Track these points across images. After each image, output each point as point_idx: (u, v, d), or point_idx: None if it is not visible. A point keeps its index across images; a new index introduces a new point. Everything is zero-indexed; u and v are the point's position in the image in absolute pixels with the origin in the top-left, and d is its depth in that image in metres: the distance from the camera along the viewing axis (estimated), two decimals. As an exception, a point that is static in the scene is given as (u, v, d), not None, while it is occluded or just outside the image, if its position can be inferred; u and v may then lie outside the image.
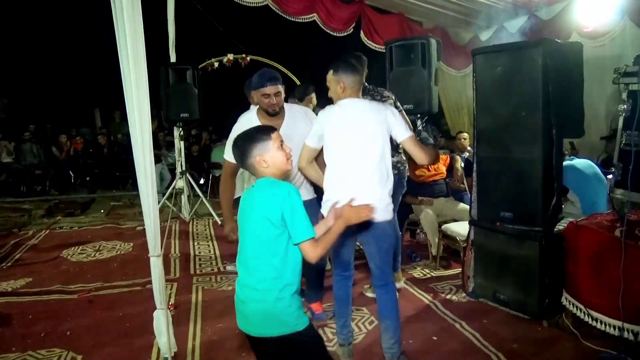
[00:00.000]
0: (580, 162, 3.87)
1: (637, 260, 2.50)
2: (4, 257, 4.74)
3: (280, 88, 2.70)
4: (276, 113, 2.73)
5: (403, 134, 2.48)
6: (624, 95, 2.62)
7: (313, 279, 3.19)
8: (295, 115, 2.84)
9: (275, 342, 1.73)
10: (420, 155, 2.50)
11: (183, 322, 3.18)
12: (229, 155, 2.70)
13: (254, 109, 3.23)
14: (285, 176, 1.93)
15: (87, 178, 9.01)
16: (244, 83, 3.82)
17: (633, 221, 2.65)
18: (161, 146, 8.57)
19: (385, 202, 2.44)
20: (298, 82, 7.41)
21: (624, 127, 2.64)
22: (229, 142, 2.60)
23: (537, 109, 2.91)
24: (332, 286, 2.71)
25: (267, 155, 1.78)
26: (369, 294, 3.49)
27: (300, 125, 2.77)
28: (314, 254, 1.72)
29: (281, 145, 1.83)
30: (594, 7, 4.68)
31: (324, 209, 2.46)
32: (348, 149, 2.43)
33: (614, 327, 2.57)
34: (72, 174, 9.05)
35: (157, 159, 7.47)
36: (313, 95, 4.00)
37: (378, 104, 2.56)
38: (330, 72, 2.53)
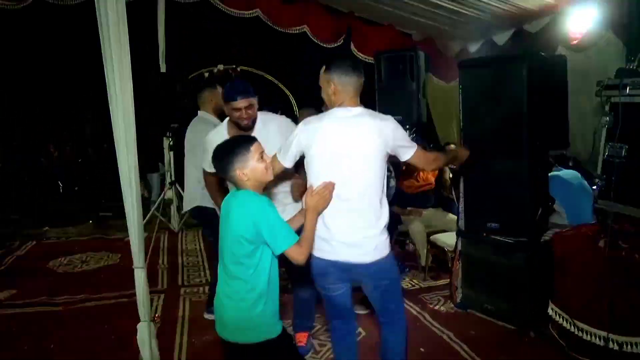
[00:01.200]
0: (566, 173, 3.91)
1: (621, 270, 2.52)
2: (-12, 268, 4.68)
3: (253, 100, 2.50)
4: (248, 127, 2.54)
5: (409, 150, 2.11)
6: (607, 108, 2.65)
7: (300, 308, 2.99)
8: (268, 124, 2.62)
9: (250, 348, 1.81)
10: (431, 164, 2.37)
11: (169, 334, 3.15)
12: (207, 165, 2.64)
13: (211, 120, 3.24)
14: (264, 188, 1.93)
15: (76, 188, 8.94)
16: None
17: (617, 232, 2.67)
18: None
19: (382, 239, 2.07)
20: (288, 93, 7.44)
21: (607, 138, 2.67)
22: (205, 154, 2.58)
23: (522, 121, 2.95)
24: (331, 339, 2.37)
25: (247, 168, 1.78)
26: (359, 311, 3.28)
27: (272, 136, 2.50)
28: (300, 256, 1.79)
29: (261, 156, 1.83)
30: (579, 21, 4.76)
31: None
32: (339, 175, 2.01)
33: (600, 338, 2.58)
34: (60, 184, 8.97)
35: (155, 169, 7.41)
36: None
37: (378, 116, 2.10)
38: (322, 69, 2.13)
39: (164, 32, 5.91)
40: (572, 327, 2.73)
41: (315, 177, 2.05)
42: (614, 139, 2.58)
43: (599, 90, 2.68)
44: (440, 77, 6.83)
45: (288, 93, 7.84)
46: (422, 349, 2.90)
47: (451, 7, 5.33)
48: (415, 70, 3.96)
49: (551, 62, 3.19)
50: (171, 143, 6.13)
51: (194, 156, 3.20)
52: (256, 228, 1.72)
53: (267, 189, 2.43)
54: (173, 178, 6.14)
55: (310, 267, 2.11)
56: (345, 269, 2.07)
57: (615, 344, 2.52)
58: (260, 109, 2.65)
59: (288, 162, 2.15)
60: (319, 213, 1.90)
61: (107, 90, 2.27)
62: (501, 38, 6.01)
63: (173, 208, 6.25)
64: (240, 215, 1.76)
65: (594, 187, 2.97)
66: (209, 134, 2.71)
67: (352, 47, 6.33)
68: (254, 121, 2.58)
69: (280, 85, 7.81)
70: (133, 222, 2.38)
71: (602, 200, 2.81)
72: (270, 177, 1.86)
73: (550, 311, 2.91)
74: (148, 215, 5.57)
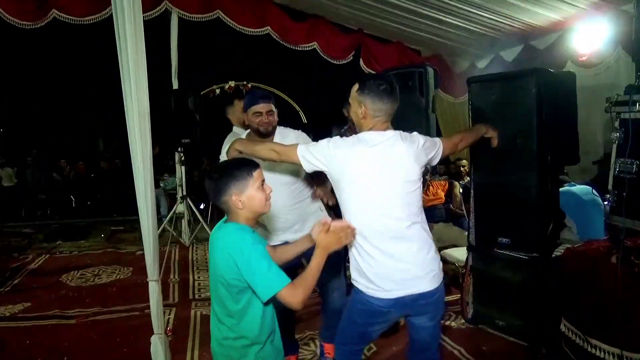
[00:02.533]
0: (578, 188, 3.90)
1: (634, 287, 2.50)
2: (2, 281, 4.73)
3: (273, 107, 2.54)
4: (268, 133, 2.54)
5: (438, 152, 2.04)
6: (616, 124, 2.66)
7: (331, 319, 2.77)
8: (287, 138, 2.60)
9: None
10: (461, 146, 2.28)
11: (181, 347, 3.16)
12: None
13: (240, 132, 3.21)
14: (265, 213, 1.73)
15: (88, 202, 9.04)
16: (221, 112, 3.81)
17: (629, 248, 2.66)
18: (163, 171, 8.62)
19: (436, 267, 1.94)
20: (298, 109, 7.51)
21: (618, 154, 2.68)
22: (223, 155, 2.57)
23: (532, 136, 2.96)
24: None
25: (244, 195, 1.58)
26: None
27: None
28: (295, 299, 1.51)
29: (262, 184, 1.63)
30: (588, 37, 4.79)
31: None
32: (381, 205, 1.86)
33: (613, 355, 2.55)
34: (73, 199, 9.09)
35: (156, 184, 7.46)
36: None
37: (407, 137, 1.96)
38: (355, 87, 1.97)
39: (176, 49, 6.03)
40: (585, 344, 2.70)
41: (353, 207, 1.89)
42: (624, 155, 2.59)
43: (608, 106, 2.69)
44: (449, 92, 6.89)
45: (298, 109, 7.93)
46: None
47: (459, 24, 5.40)
48: (425, 86, 3.99)
49: (560, 78, 3.20)
50: (182, 158, 6.21)
51: None
52: (239, 270, 1.51)
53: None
54: (184, 192, 6.20)
55: (352, 296, 1.99)
56: (408, 304, 1.89)
57: (629, 361, 2.50)
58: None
59: (309, 166, 1.97)
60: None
61: (125, 105, 2.33)
62: (510, 54, 6.06)
63: (184, 222, 6.30)
64: (221, 253, 1.56)
65: (606, 203, 2.97)
66: (225, 144, 2.73)
67: (361, 63, 6.41)
68: (274, 128, 2.57)
69: (290, 101, 7.90)
70: (148, 236, 2.42)
71: (614, 215, 2.81)
72: (267, 209, 1.67)
73: (562, 327, 2.88)
74: (160, 229, 5.62)
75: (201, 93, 6.62)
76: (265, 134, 2.54)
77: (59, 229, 7.30)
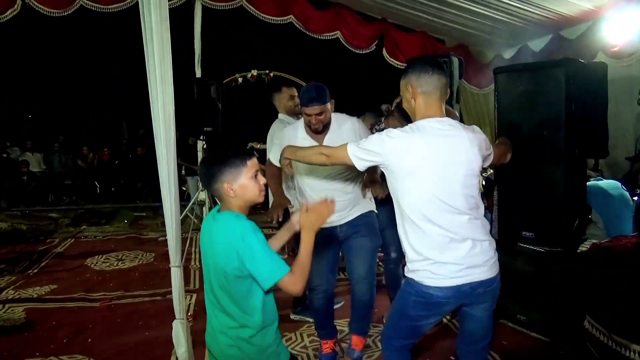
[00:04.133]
0: (606, 183, 3.81)
1: (663, 284, 2.44)
2: (30, 264, 4.87)
3: (325, 107, 2.50)
4: (319, 131, 2.57)
5: (492, 155, 1.97)
6: (650, 117, 2.58)
7: (361, 311, 2.83)
8: (343, 125, 2.63)
9: None
10: (504, 159, 2.22)
11: (202, 333, 3.20)
12: (272, 156, 2.75)
13: (286, 119, 3.37)
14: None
15: (112, 188, 9.22)
16: (267, 98, 3.85)
17: (659, 244, 2.59)
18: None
19: (493, 254, 1.87)
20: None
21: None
22: (270, 141, 2.63)
23: (559, 128, 2.89)
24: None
25: (236, 184, 1.57)
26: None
27: (347, 135, 2.53)
28: (295, 286, 1.53)
29: (256, 175, 1.61)
30: (620, 27, 4.63)
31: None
32: (444, 198, 1.77)
33: (637, 353, 2.49)
34: (97, 185, 9.28)
35: (194, 173, 7.42)
36: None
37: (469, 128, 1.88)
38: (402, 76, 1.91)
39: (199, 38, 6.05)
40: (610, 341, 2.65)
41: (412, 200, 1.80)
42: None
43: (640, 98, 2.61)
44: (473, 83, 6.76)
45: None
46: (452, 358, 2.87)
47: (485, 12, 5.28)
48: (449, 76, 3.93)
49: (591, 69, 3.11)
50: (205, 146, 6.26)
51: None
52: (240, 259, 1.50)
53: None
54: (206, 180, 6.25)
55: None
56: (467, 293, 1.83)
57: (655, 360, 2.44)
58: None
59: (361, 166, 1.89)
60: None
61: (149, 93, 2.35)
62: (537, 44, 5.90)
63: (205, 209, 6.37)
64: (221, 244, 1.55)
65: (636, 198, 2.90)
66: (285, 128, 2.83)
67: (385, 53, 6.34)
68: (326, 125, 2.57)
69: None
70: (171, 223, 2.44)
71: (644, 211, 2.74)
72: (260, 200, 1.64)
73: (586, 324, 2.83)
74: (182, 216, 5.69)
75: (224, 82, 6.63)
76: (316, 132, 2.57)
77: (84, 214, 7.48)
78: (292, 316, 3.44)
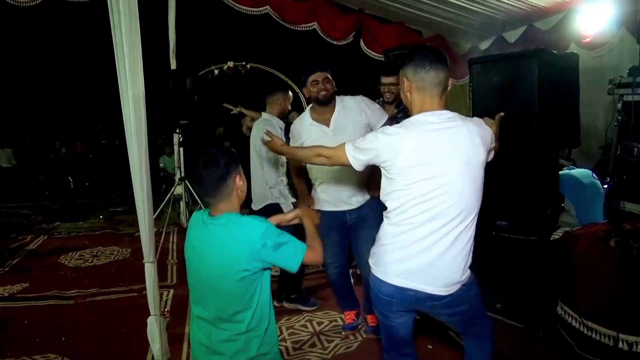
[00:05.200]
0: (578, 172, 3.88)
1: (632, 270, 2.49)
2: (1, 262, 4.74)
3: (329, 75, 2.70)
4: (327, 100, 2.69)
5: (492, 153, 1.87)
6: (619, 106, 2.63)
7: (337, 290, 3.14)
8: (347, 104, 2.76)
9: None
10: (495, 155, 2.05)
11: (179, 328, 3.17)
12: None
13: (270, 118, 3.39)
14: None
15: (87, 183, 9.03)
16: (243, 90, 3.83)
17: (628, 231, 2.65)
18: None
19: (455, 275, 1.75)
20: (297, 90, 7.43)
21: (619, 137, 2.65)
22: (291, 139, 2.75)
23: (533, 118, 2.92)
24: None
25: (240, 179, 1.62)
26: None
27: (353, 115, 2.71)
28: (318, 256, 1.65)
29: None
30: (592, 18, 4.71)
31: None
32: (440, 195, 1.67)
33: (609, 337, 2.56)
34: (71, 180, 9.08)
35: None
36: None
37: (471, 120, 1.78)
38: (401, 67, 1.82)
39: (174, 29, 5.95)
40: (582, 326, 2.71)
41: (401, 200, 1.72)
42: (626, 138, 2.56)
43: (611, 88, 2.66)
44: (451, 75, 6.80)
45: (298, 90, 7.85)
46: (429, 346, 2.90)
47: (461, 4, 5.30)
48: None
49: (563, 60, 3.15)
50: (181, 139, 6.17)
51: (260, 156, 3.32)
52: (261, 257, 1.53)
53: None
54: (183, 174, 6.17)
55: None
56: (414, 300, 1.77)
57: (625, 343, 2.50)
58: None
59: (359, 166, 1.83)
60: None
61: (119, 86, 2.29)
62: (512, 35, 5.97)
63: (182, 204, 6.29)
64: (237, 246, 1.53)
65: (605, 186, 2.96)
66: (294, 123, 2.88)
67: (362, 44, 6.33)
68: (332, 96, 2.71)
69: (290, 82, 7.82)
70: (144, 218, 2.40)
71: (614, 199, 2.79)
72: (244, 198, 1.68)
73: (559, 310, 2.89)
74: (157, 211, 5.61)
75: (199, 74, 6.54)
76: (325, 102, 2.69)
77: (58, 209, 7.31)
78: (287, 305, 3.50)
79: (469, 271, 1.80)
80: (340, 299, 3.18)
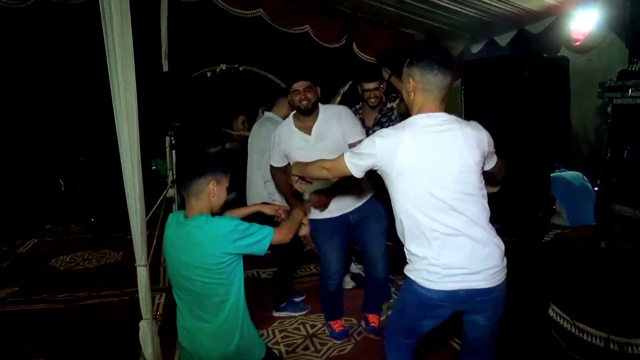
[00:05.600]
0: (569, 174, 3.91)
1: (622, 272, 2.52)
2: (-10, 265, 4.69)
3: (311, 84, 2.66)
4: (309, 110, 2.68)
5: (494, 158, 1.93)
6: (609, 109, 2.66)
7: (376, 290, 3.08)
8: (328, 115, 2.76)
9: None
10: (502, 171, 2.14)
11: (171, 332, 3.14)
12: (274, 160, 2.84)
13: (273, 116, 3.43)
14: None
15: (78, 186, 8.94)
16: (236, 92, 3.86)
17: (618, 233, 2.68)
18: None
19: (495, 263, 1.77)
20: (290, 92, 7.43)
21: (609, 140, 2.68)
22: (271, 144, 2.77)
23: (523, 121, 2.95)
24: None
25: (219, 187, 1.74)
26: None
27: (332, 124, 2.72)
28: (286, 236, 1.82)
29: (227, 189, 1.81)
30: (582, 22, 4.75)
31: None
32: (437, 199, 1.70)
33: (600, 339, 2.58)
34: (62, 182, 8.99)
35: None
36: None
37: (467, 123, 1.80)
38: (406, 62, 1.80)
39: (166, 31, 5.92)
40: (573, 328, 2.73)
41: (404, 202, 1.74)
42: (616, 141, 2.59)
43: (601, 91, 2.69)
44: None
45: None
46: (422, 349, 2.90)
47: (453, 7, 5.33)
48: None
49: (553, 63, 3.20)
50: (173, 142, 6.14)
51: (261, 155, 3.32)
52: (234, 248, 1.69)
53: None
54: (175, 176, 6.14)
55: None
56: (464, 299, 1.77)
57: (615, 345, 2.52)
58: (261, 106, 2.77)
59: (357, 168, 1.83)
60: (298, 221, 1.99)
61: (111, 88, 2.27)
62: (504, 39, 6.00)
63: (175, 206, 6.25)
64: (209, 243, 1.68)
65: (596, 188, 2.99)
66: (277, 129, 2.86)
67: (355, 47, 6.34)
68: (314, 105, 2.69)
69: (283, 85, 7.81)
70: (136, 220, 2.39)
71: (604, 201, 2.82)
72: (218, 212, 1.83)
73: (550, 312, 2.91)
74: (150, 213, 5.58)
75: (192, 76, 6.51)
76: (306, 112, 2.68)
77: (48, 213, 7.23)
78: (276, 314, 3.42)
79: (504, 271, 1.82)
80: (329, 308, 3.10)
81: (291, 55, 7.72)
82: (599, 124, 2.83)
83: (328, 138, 2.65)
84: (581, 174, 3.93)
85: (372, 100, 3.27)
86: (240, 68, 7.69)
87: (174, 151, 6.20)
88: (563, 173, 3.93)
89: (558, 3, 4.83)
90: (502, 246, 1.83)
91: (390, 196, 1.82)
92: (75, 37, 7.42)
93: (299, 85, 2.64)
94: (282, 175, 2.85)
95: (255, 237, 1.72)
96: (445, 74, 1.73)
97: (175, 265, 1.76)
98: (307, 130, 2.71)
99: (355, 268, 3.90)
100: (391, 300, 3.43)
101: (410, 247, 1.79)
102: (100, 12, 2.22)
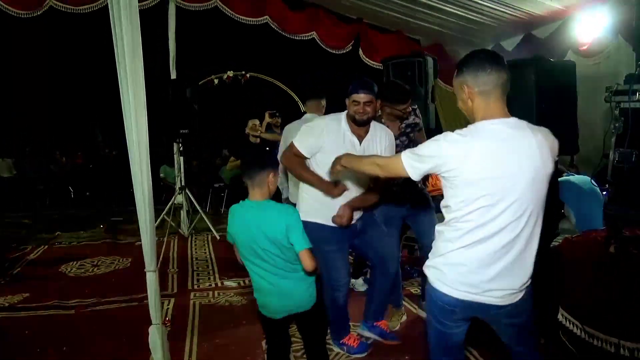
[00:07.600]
0: (577, 178, 3.89)
1: (632, 276, 2.50)
2: (1, 272, 4.73)
3: (373, 99, 2.60)
4: (364, 122, 2.64)
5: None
6: (616, 113, 2.65)
7: (382, 298, 3.02)
8: (377, 132, 2.76)
9: (314, 310, 2.23)
10: None
11: (179, 337, 3.17)
12: (301, 145, 2.68)
13: (311, 117, 3.43)
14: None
15: (87, 193, 9.03)
16: (242, 99, 3.91)
17: (627, 237, 2.66)
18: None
19: (516, 285, 1.82)
20: (297, 99, 7.46)
21: (617, 144, 2.67)
22: (303, 130, 2.72)
23: (531, 126, 2.95)
24: None
25: (275, 177, 2.12)
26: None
27: (377, 142, 2.73)
28: (311, 263, 2.06)
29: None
30: (589, 26, 4.75)
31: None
32: (509, 211, 1.61)
33: (610, 344, 2.56)
34: (71, 189, 9.08)
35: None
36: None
37: (538, 129, 1.68)
38: (455, 73, 1.72)
39: (174, 39, 5.99)
40: (583, 333, 2.71)
41: (465, 211, 1.66)
42: (624, 145, 2.58)
43: (608, 95, 2.68)
44: (448, 82, 6.84)
45: (297, 99, 7.89)
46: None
47: (460, 13, 5.36)
48: (424, 76, 3.98)
49: (560, 68, 3.18)
50: (181, 148, 6.19)
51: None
52: (285, 229, 2.03)
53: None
54: (183, 183, 6.18)
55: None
56: (477, 310, 1.79)
57: (626, 350, 2.50)
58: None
59: (416, 176, 1.76)
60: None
61: (120, 96, 2.31)
62: (510, 43, 6.02)
63: (183, 213, 6.30)
64: (276, 222, 2.05)
65: (604, 193, 2.97)
66: (320, 120, 2.81)
67: (361, 53, 6.38)
68: (369, 119, 2.66)
69: (289, 91, 7.86)
70: (145, 226, 2.41)
71: (612, 205, 2.81)
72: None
73: (560, 317, 2.89)
74: (158, 220, 5.62)
75: (199, 83, 6.57)
76: (361, 123, 2.65)
77: (58, 219, 7.30)
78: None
79: (521, 294, 1.82)
80: (337, 325, 2.94)
81: (297, 61, 7.78)
82: (607, 128, 2.82)
83: (371, 153, 2.65)
84: (589, 178, 3.90)
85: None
86: (247, 75, 7.76)
87: (181, 157, 6.24)
88: (571, 177, 3.90)
89: (565, 7, 4.84)
90: (529, 273, 1.87)
91: (447, 205, 1.76)
92: (85, 46, 7.53)
93: (362, 97, 2.57)
94: (301, 161, 2.73)
95: (301, 234, 2.08)
96: (500, 70, 1.63)
97: (249, 242, 2.08)
98: (359, 137, 2.69)
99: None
100: (402, 309, 3.43)
101: (448, 239, 1.78)
102: (111, 21, 2.26)
